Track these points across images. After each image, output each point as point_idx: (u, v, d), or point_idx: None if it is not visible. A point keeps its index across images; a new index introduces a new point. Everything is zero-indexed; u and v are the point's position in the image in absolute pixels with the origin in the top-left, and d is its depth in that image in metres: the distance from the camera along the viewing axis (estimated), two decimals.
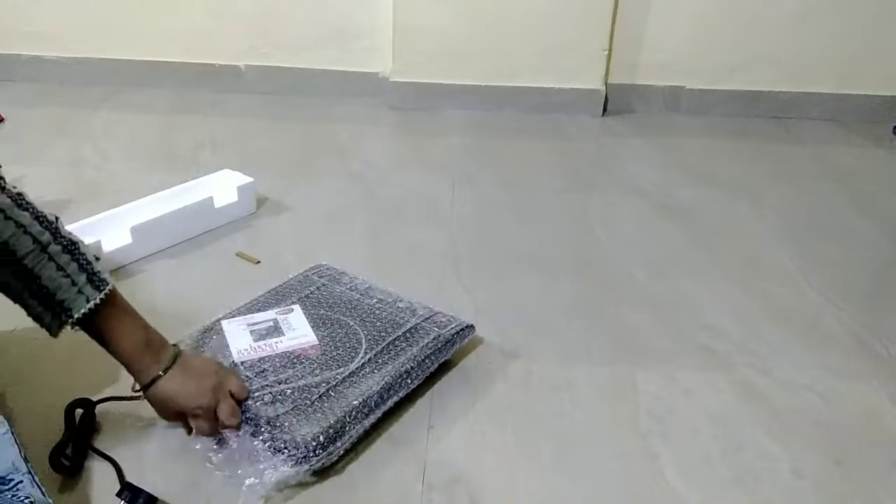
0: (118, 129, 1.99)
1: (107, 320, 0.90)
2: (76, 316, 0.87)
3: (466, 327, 1.14)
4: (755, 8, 2.14)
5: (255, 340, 1.07)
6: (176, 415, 0.93)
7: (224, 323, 1.10)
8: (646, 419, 1.04)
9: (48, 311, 0.87)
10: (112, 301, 0.90)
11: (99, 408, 0.99)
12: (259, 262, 1.39)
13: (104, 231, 1.36)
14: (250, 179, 1.56)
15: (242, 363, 1.02)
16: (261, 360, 1.03)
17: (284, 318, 1.12)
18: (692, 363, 1.17)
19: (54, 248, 0.87)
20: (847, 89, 2.23)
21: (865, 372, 1.16)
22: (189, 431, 0.95)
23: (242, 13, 2.21)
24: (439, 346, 1.08)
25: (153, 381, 0.91)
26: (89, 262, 0.89)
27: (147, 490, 0.86)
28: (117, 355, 0.91)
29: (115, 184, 1.67)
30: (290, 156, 1.88)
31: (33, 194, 0.91)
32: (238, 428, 0.93)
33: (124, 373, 1.05)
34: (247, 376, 0.99)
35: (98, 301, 0.88)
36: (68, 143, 1.89)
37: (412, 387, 1.03)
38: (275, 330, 1.09)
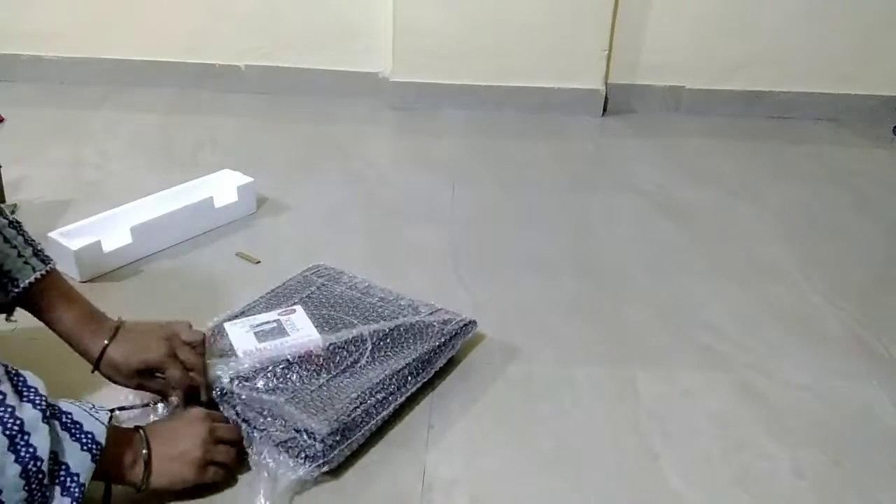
0: (118, 129, 1.99)
1: (51, 294, 0.92)
2: (22, 285, 0.89)
3: (469, 323, 1.14)
4: (755, 8, 2.13)
5: (260, 341, 1.06)
6: (138, 375, 0.93)
7: (227, 325, 1.10)
8: (646, 419, 1.04)
9: None
10: (55, 277, 0.93)
11: None
12: (259, 262, 1.39)
13: (104, 231, 1.36)
14: (250, 179, 1.56)
15: (248, 364, 1.01)
16: (266, 360, 1.03)
17: (287, 318, 1.12)
18: (692, 363, 1.17)
19: (1, 221, 0.91)
20: (847, 89, 2.23)
21: (865, 372, 1.16)
22: (158, 393, 0.95)
23: (242, 13, 2.20)
24: (445, 340, 1.08)
25: (103, 351, 0.91)
26: (34, 240, 0.94)
27: None
28: (62, 330, 0.92)
29: (115, 184, 1.67)
30: (290, 156, 1.88)
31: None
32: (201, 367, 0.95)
33: None
34: (252, 376, 0.99)
35: (45, 272, 0.91)
36: (68, 143, 1.89)
37: (420, 383, 1.04)
38: (279, 330, 1.09)
